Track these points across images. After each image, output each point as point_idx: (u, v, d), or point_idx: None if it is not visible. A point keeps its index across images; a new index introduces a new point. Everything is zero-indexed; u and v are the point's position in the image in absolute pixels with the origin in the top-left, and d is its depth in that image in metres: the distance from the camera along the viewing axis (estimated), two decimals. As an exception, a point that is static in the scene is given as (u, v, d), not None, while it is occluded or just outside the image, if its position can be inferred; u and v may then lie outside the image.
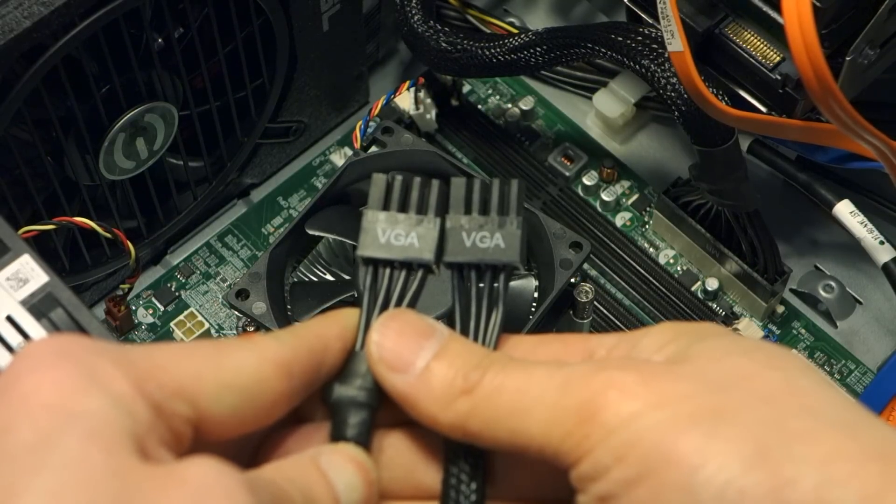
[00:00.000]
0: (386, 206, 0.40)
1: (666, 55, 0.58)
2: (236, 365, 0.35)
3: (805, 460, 0.32)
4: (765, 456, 0.32)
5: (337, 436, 0.37)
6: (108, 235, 0.61)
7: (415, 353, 0.37)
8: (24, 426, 0.32)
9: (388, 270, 0.39)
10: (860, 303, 0.71)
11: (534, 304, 0.59)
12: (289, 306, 0.59)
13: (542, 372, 0.36)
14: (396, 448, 0.38)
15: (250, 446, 0.38)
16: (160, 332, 0.69)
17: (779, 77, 0.59)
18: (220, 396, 0.35)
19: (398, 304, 0.39)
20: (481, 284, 0.39)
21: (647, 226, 0.73)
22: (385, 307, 0.39)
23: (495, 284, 0.39)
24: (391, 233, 0.39)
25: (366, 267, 0.39)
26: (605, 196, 0.73)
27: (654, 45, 0.59)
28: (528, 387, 0.35)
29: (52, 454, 0.31)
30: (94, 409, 0.32)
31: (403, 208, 0.40)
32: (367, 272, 0.39)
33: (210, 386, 0.34)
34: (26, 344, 0.37)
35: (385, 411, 0.38)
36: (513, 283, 0.59)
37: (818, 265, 0.72)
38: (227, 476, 0.32)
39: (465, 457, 0.37)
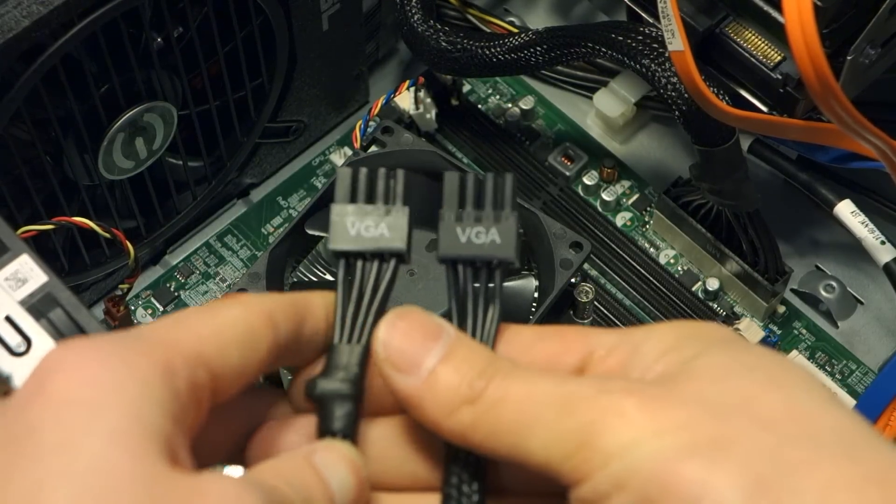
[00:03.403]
0: (353, 199, 0.40)
1: (666, 54, 0.58)
2: (230, 321, 0.36)
3: (805, 491, 0.32)
4: (764, 488, 0.32)
5: (324, 429, 0.37)
6: (108, 235, 0.61)
7: (421, 356, 0.36)
8: (49, 426, 0.31)
9: (360, 262, 0.39)
10: (861, 303, 0.71)
11: (534, 305, 0.59)
12: (288, 306, 0.58)
13: (544, 387, 0.35)
14: (388, 440, 0.38)
15: (241, 438, 0.38)
16: (160, 333, 0.68)
17: (779, 76, 0.58)
18: (226, 353, 0.35)
19: (372, 295, 0.39)
20: (477, 284, 0.39)
21: (647, 226, 0.73)
22: (360, 300, 0.39)
23: (491, 283, 0.39)
24: (360, 225, 0.39)
25: (338, 261, 0.39)
26: (605, 196, 0.73)
27: (655, 45, 0.59)
28: (531, 403, 0.35)
29: (78, 457, 0.31)
30: (123, 406, 0.32)
31: (371, 199, 0.40)
32: (341, 266, 0.39)
33: (216, 345, 0.35)
34: (52, 348, 0.37)
35: (370, 400, 0.38)
36: (513, 284, 0.59)
37: (819, 265, 0.72)
38: (246, 493, 0.32)
39: (467, 455, 0.37)
